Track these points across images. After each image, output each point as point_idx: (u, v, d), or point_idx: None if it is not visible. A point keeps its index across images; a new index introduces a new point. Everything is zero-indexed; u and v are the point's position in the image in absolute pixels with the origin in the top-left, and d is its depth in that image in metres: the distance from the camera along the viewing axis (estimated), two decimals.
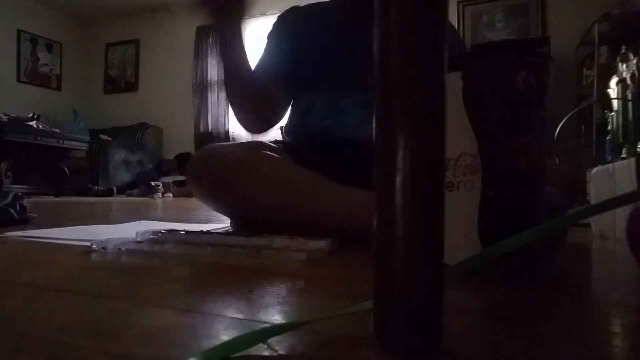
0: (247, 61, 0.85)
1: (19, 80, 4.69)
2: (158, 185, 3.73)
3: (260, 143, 0.83)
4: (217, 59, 4.65)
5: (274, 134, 0.99)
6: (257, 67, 0.91)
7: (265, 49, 0.93)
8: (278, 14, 0.98)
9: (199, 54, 4.73)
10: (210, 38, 4.70)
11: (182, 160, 4.31)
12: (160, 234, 0.68)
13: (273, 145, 0.86)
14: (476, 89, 0.38)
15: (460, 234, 0.39)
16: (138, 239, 0.65)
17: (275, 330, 0.26)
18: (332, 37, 0.89)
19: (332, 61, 0.87)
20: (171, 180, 3.99)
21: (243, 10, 0.80)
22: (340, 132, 0.84)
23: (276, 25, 0.95)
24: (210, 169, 0.75)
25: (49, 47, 5.00)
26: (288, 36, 0.92)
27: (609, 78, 1.40)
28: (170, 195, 3.78)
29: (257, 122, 0.91)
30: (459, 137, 0.38)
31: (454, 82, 0.38)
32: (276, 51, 0.91)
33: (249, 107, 0.87)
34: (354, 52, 0.84)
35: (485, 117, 0.39)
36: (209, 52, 4.70)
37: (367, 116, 0.84)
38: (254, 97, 0.86)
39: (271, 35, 0.94)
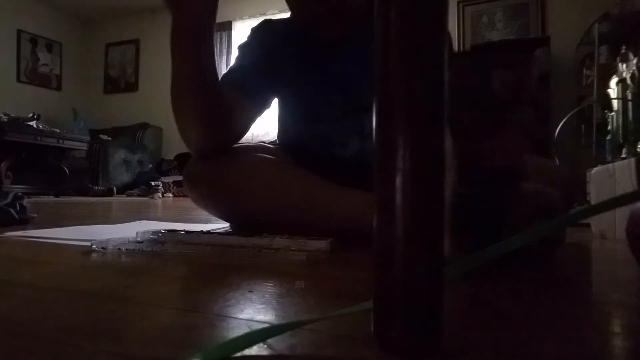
0: (215, 63, 0.69)
1: (19, 80, 4.69)
2: (158, 185, 3.73)
3: (258, 145, 0.83)
4: (217, 58, 4.64)
5: (273, 134, 0.98)
6: (227, 76, 0.81)
7: (238, 60, 0.85)
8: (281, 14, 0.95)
9: None
10: None
11: (182, 160, 4.31)
12: (160, 234, 0.68)
13: (271, 147, 0.85)
14: (451, 89, 0.39)
15: None
16: (138, 239, 0.65)
17: (275, 330, 0.26)
18: (312, 60, 0.84)
19: (313, 85, 0.85)
20: (171, 180, 3.99)
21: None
22: (332, 154, 0.83)
23: (249, 38, 0.88)
24: (208, 173, 0.74)
25: (49, 47, 5.01)
26: (261, 52, 0.85)
27: (609, 78, 1.40)
28: (170, 195, 3.78)
29: (206, 137, 0.73)
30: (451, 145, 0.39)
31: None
32: (249, 66, 0.83)
33: (202, 118, 0.70)
34: (334, 76, 0.83)
35: (459, 116, 0.40)
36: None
37: (353, 136, 0.83)
38: (213, 108, 0.70)
39: (245, 48, 0.87)
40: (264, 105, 0.86)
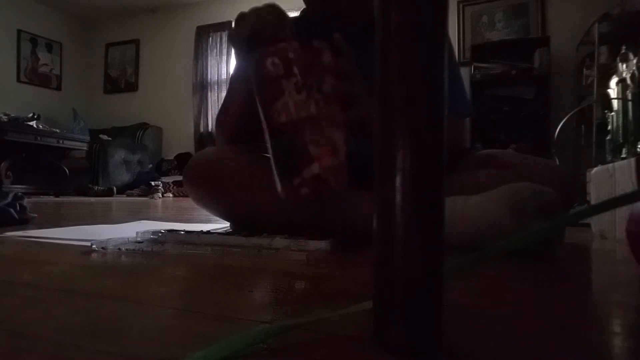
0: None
1: (19, 80, 4.69)
2: (158, 185, 3.73)
3: (258, 146, 0.83)
4: (217, 58, 4.65)
5: None
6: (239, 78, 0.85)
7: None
8: None
9: (199, 54, 4.73)
10: (210, 38, 4.71)
11: (182, 160, 4.31)
12: (160, 234, 0.68)
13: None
14: (255, 79, 0.58)
15: (273, 171, 0.57)
16: (138, 239, 0.65)
17: (275, 330, 0.26)
18: None
19: None
20: (171, 180, 3.99)
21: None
22: None
23: None
24: (207, 174, 0.74)
25: (49, 47, 5.00)
26: None
27: (609, 78, 1.40)
28: (170, 195, 3.78)
29: (234, 135, 0.83)
30: (259, 111, 0.57)
31: (251, 76, 0.58)
32: None
33: (237, 120, 0.81)
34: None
35: (260, 93, 0.57)
36: (209, 52, 4.70)
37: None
38: (247, 117, 0.77)
39: None
40: None
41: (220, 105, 0.88)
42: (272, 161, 0.57)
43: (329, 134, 0.56)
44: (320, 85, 0.57)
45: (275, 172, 0.57)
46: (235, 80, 0.83)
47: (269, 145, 0.57)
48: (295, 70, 0.56)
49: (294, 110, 0.55)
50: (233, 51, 0.87)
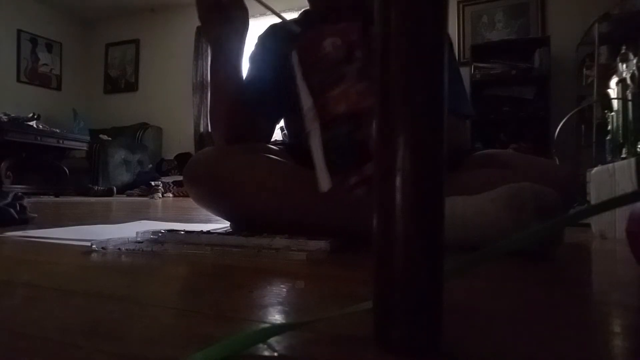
0: (238, 69, 0.82)
1: (19, 80, 4.69)
2: (158, 185, 3.73)
3: (259, 145, 0.83)
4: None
5: (276, 134, 0.99)
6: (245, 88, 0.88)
7: (250, 73, 0.89)
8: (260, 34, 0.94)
9: (199, 54, 4.74)
10: None
11: (182, 160, 4.31)
12: (160, 234, 0.67)
13: (273, 147, 0.85)
14: (303, 58, 0.52)
15: (319, 166, 0.51)
16: (138, 239, 0.65)
17: (275, 330, 0.26)
18: None
19: None
20: (171, 180, 3.99)
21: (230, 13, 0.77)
22: None
23: (257, 47, 0.91)
24: (208, 173, 0.74)
25: (49, 47, 5.00)
26: (270, 60, 0.87)
27: (609, 78, 1.40)
28: (170, 195, 3.78)
29: (230, 133, 0.84)
30: (303, 97, 0.51)
31: (294, 57, 0.51)
32: (259, 76, 0.87)
33: (228, 115, 0.83)
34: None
35: (311, 78, 0.51)
36: (209, 52, 4.70)
37: None
38: (238, 109, 0.82)
39: (253, 58, 0.90)
40: (283, 108, 0.90)
41: (209, 103, 0.88)
42: (318, 156, 0.50)
43: None
44: None
45: (322, 169, 0.50)
46: (216, 71, 0.82)
47: (315, 138, 0.50)
48: (359, 54, 0.49)
49: (356, 99, 0.49)
50: (204, 38, 0.89)
